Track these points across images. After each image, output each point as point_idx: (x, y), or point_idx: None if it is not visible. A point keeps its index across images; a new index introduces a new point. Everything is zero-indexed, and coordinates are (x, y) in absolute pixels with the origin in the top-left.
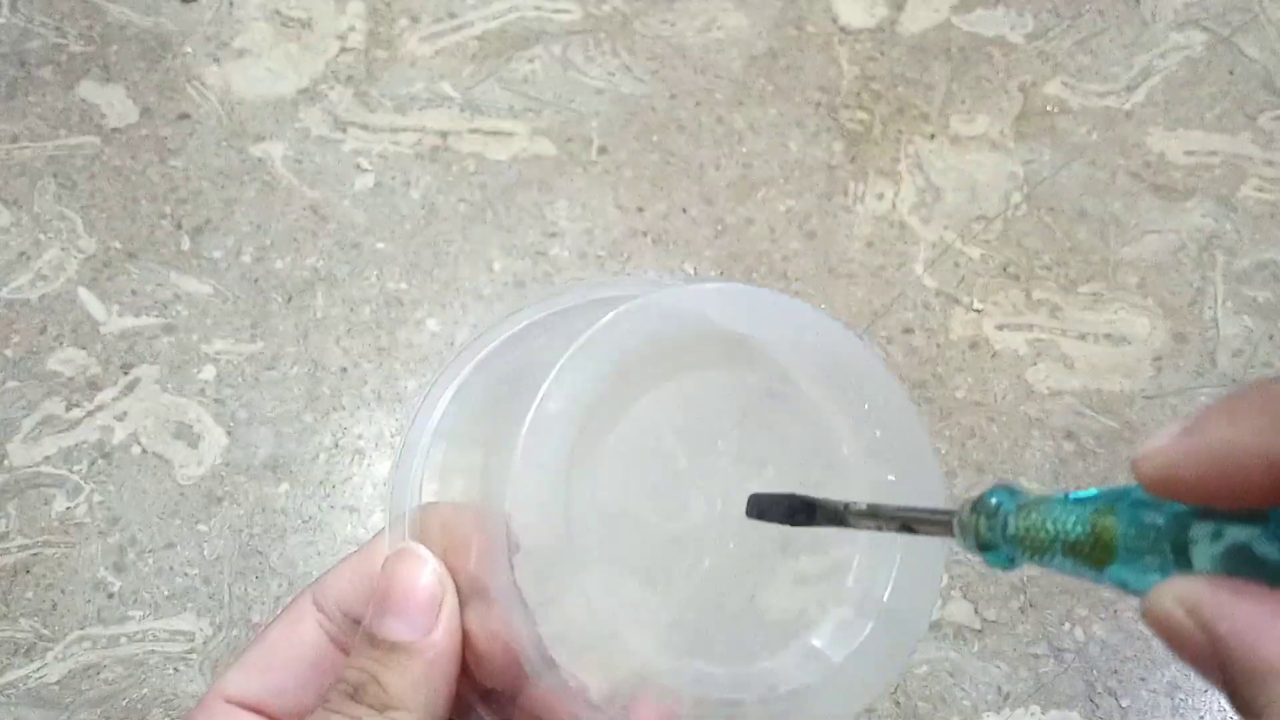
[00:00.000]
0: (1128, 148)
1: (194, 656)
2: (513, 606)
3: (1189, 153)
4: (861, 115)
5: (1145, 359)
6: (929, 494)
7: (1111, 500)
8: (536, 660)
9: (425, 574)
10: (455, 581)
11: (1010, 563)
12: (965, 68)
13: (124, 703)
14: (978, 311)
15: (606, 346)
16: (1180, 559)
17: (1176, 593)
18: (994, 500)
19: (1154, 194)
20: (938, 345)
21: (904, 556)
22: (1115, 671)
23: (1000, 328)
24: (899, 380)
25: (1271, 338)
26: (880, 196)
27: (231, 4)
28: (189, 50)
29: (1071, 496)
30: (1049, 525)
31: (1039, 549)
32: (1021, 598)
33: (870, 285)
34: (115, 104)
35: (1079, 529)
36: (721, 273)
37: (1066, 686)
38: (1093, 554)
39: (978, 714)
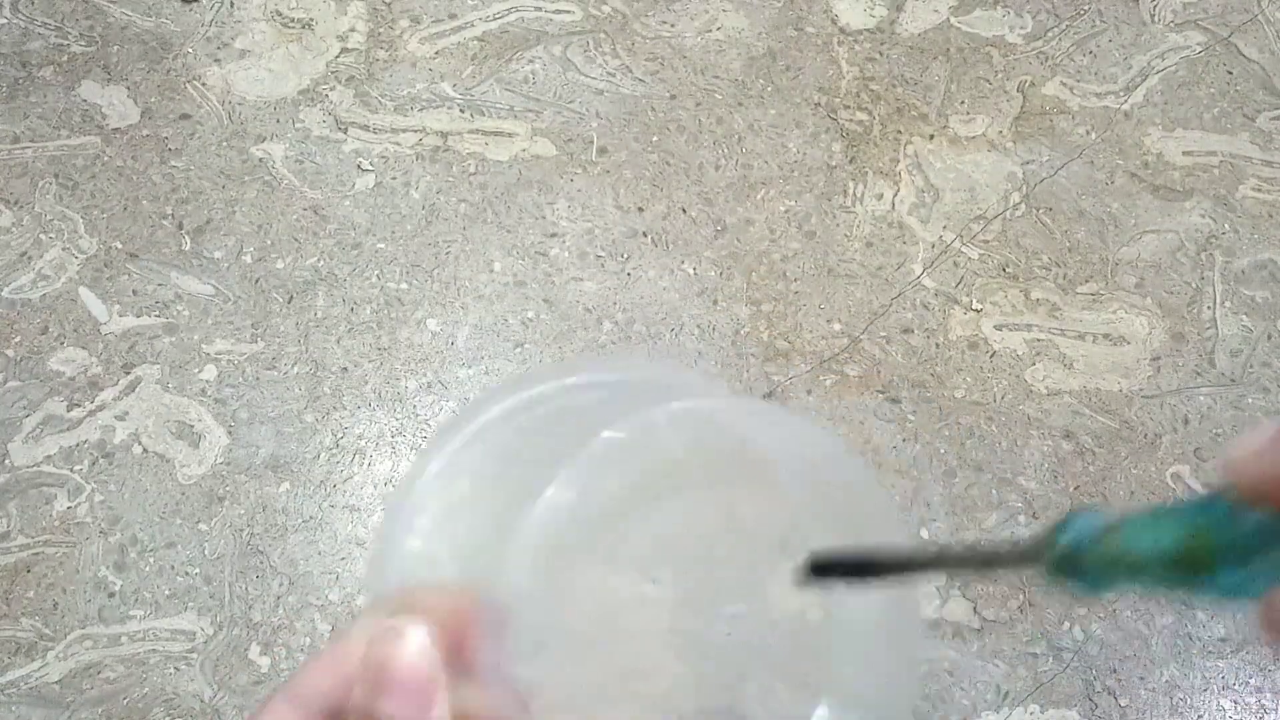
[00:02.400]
0: (1126, 148)
1: (195, 656)
2: (502, 691)
3: (1187, 153)
4: (861, 116)
5: (1144, 359)
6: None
7: (1202, 511)
8: None
9: (419, 652)
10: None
11: (1097, 588)
12: (964, 68)
13: (125, 702)
14: (976, 311)
15: (612, 462)
16: None
17: None
18: (1076, 525)
19: (1152, 194)
20: (937, 345)
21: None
22: (1114, 671)
23: (999, 328)
24: (903, 518)
25: (1270, 337)
26: (879, 197)
27: (232, 5)
28: (190, 51)
29: (1155, 511)
30: (1142, 543)
31: (1134, 569)
32: (1020, 597)
33: (869, 285)
34: (116, 104)
35: (1174, 543)
36: (721, 274)
37: (1065, 685)
38: (1192, 566)
39: (977, 713)
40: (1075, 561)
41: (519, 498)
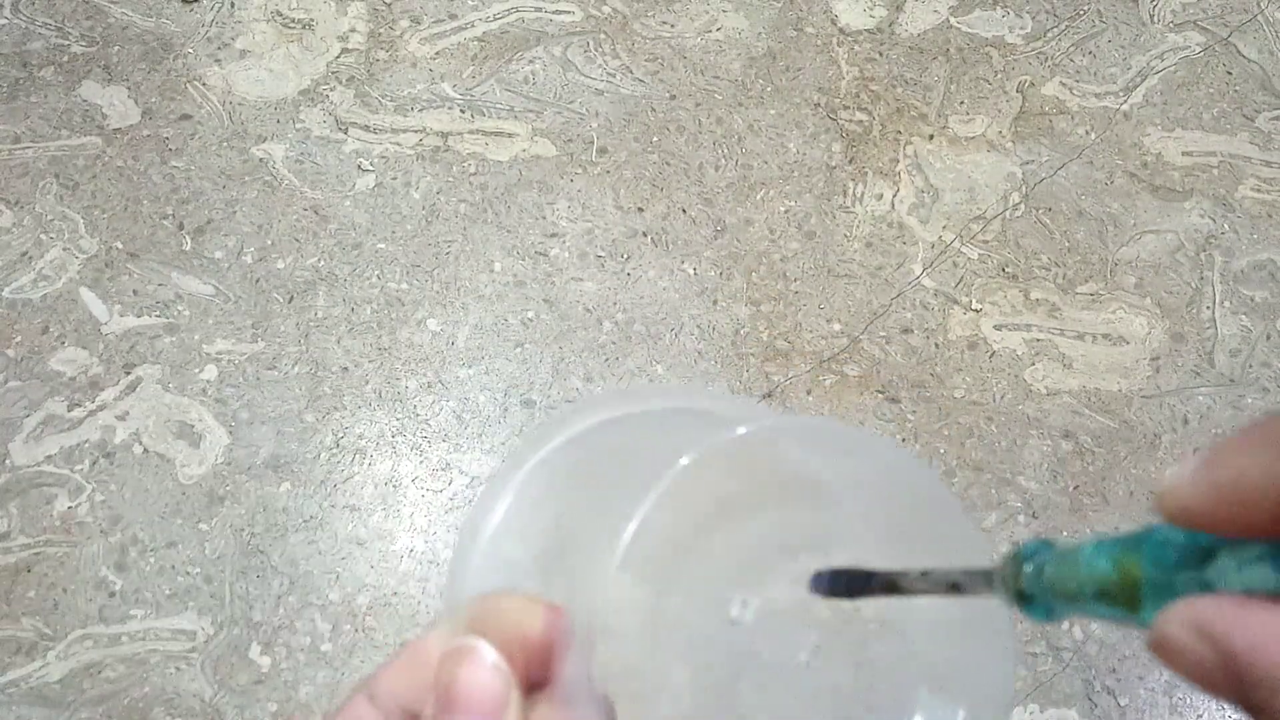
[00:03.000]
0: (1126, 148)
1: (195, 655)
2: (585, 710)
3: (1187, 153)
4: (860, 116)
5: (1143, 359)
6: (996, 639)
7: (1136, 540)
8: None
9: (489, 672)
10: (517, 677)
11: (1049, 614)
12: (964, 69)
13: (125, 701)
14: (976, 311)
15: (712, 470)
16: (1207, 592)
17: (1183, 615)
18: (1029, 551)
19: (1152, 194)
20: (936, 345)
21: (966, 714)
22: (1113, 670)
23: (998, 328)
24: (978, 533)
25: (1269, 337)
26: (879, 197)
27: (233, 5)
28: (190, 51)
29: (1096, 542)
30: (1080, 571)
31: (1072, 596)
32: None
33: (869, 285)
34: (117, 105)
35: (1106, 571)
36: (721, 274)
37: (1065, 685)
38: (1123, 596)
39: None
40: (1026, 587)
41: (601, 519)
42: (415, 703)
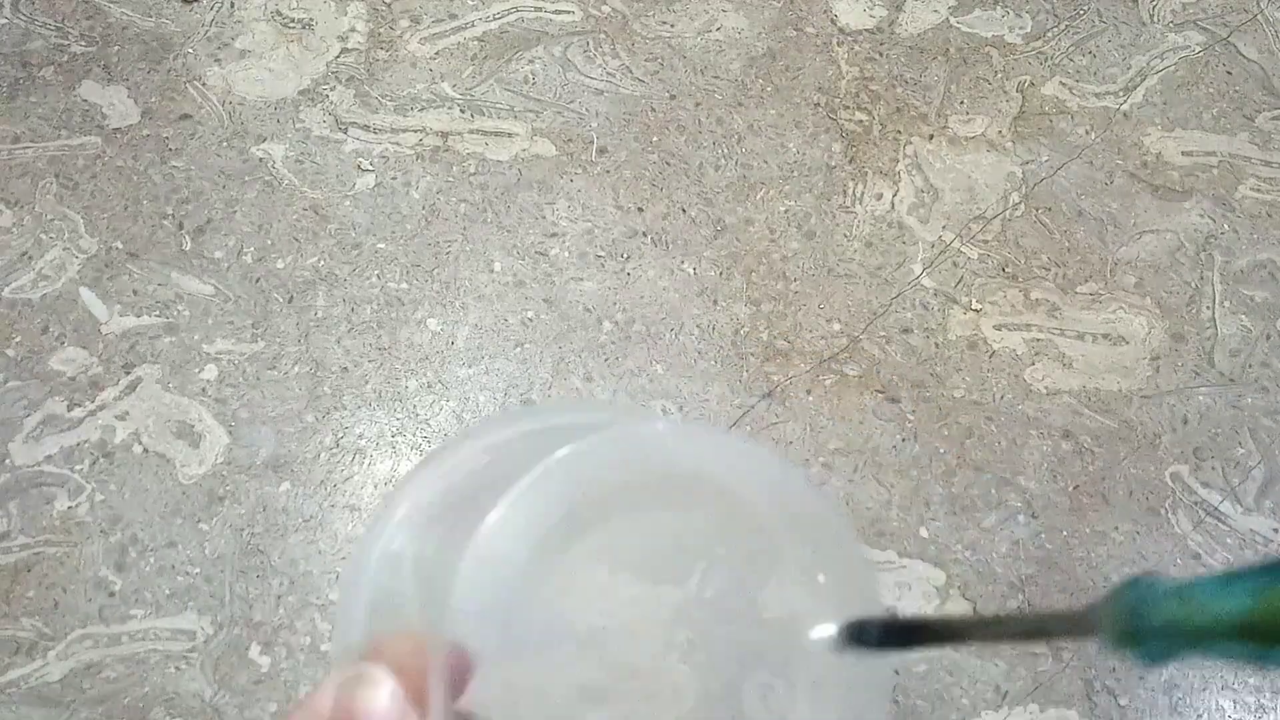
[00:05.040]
0: (1125, 148)
1: (195, 655)
2: None
3: (1186, 153)
4: (860, 116)
5: (1143, 358)
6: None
7: (1274, 575)
8: None
9: (385, 697)
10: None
11: (1162, 657)
12: (963, 68)
13: (125, 701)
14: (976, 311)
15: (559, 482)
16: None
17: None
18: (1137, 591)
19: (1152, 194)
20: (936, 345)
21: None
22: (1113, 670)
23: (998, 327)
24: (850, 524)
25: (1269, 337)
26: (879, 197)
27: (233, 5)
28: (190, 51)
29: (1223, 576)
30: (1210, 609)
31: (1201, 636)
32: (1020, 596)
33: (869, 285)
34: (117, 104)
35: (1244, 609)
36: (721, 274)
37: (1065, 685)
38: (1264, 634)
39: (976, 712)
40: (1137, 631)
41: (469, 530)
42: None
